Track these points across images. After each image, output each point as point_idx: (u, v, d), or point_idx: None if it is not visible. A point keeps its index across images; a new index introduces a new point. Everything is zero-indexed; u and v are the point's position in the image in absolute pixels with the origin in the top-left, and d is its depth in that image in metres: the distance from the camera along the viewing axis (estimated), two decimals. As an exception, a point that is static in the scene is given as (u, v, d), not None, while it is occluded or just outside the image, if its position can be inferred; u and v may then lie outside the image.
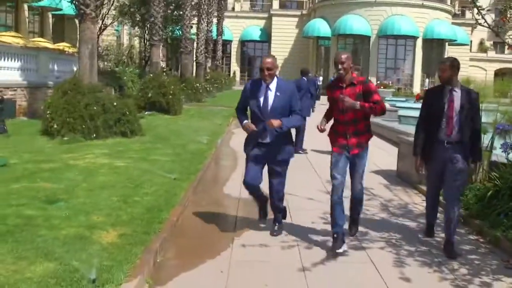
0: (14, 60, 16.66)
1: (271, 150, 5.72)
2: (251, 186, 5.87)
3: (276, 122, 5.46)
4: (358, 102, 5.41)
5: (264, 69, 5.54)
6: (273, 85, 5.64)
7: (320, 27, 50.73)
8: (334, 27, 49.09)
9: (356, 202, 5.98)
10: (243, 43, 59.46)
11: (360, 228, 6.29)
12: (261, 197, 6.18)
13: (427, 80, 48.37)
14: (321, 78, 41.42)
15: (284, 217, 6.37)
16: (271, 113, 5.57)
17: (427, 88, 33.97)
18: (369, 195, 8.18)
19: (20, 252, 4.71)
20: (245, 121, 5.74)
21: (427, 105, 5.87)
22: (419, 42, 49.07)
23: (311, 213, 7.11)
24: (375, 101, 5.47)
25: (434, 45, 50.39)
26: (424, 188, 8.27)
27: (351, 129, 5.54)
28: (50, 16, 34.00)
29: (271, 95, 5.62)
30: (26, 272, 4.30)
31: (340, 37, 50.13)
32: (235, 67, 59.93)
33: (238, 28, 58.23)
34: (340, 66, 5.41)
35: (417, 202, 8.00)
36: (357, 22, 48.16)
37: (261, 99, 5.65)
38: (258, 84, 5.70)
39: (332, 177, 5.60)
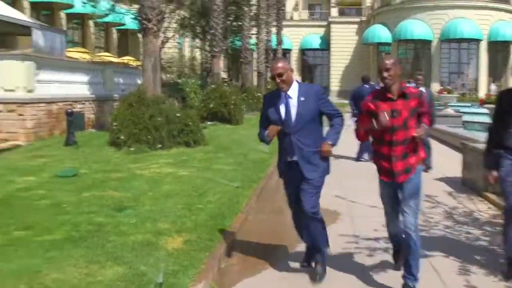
0: (82, 74, 17.38)
1: (302, 168, 4.87)
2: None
3: (327, 148, 4.72)
4: (426, 126, 4.59)
5: (275, 76, 4.72)
6: (293, 92, 4.79)
7: (380, 33, 50.09)
8: (394, 33, 48.38)
9: (406, 243, 4.63)
10: (302, 51, 59.30)
11: (423, 235, 6.01)
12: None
13: (492, 84, 46.74)
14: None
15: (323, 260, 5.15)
16: (296, 122, 4.75)
17: (490, 93, 32.83)
18: (433, 202, 8.05)
19: (91, 256, 4.98)
20: (266, 132, 4.91)
21: (500, 108, 5.09)
22: (483, 45, 47.53)
23: (373, 220, 7.05)
24: (425, 111, 4.68)
25: (499, 47, 48.69)
26: (490, 196, 8.09)
27: (399, 151, 4.53)
28: (115, 31, 35.34)
29: (293, 103, 4.77)
30: (97, 275, 4.55)
31: (401, 43, 49.38)
32: (295, 75, 59.75)
33: (297, 36, 58.14)
34: (385, 74, 4.45)
35: (483, 209, 7.79)
36: (418, 27, 47.28)
37: (282, 110, 4.80)
38: (276, 94, 4.86)
39: (384, 210, 5.03)
